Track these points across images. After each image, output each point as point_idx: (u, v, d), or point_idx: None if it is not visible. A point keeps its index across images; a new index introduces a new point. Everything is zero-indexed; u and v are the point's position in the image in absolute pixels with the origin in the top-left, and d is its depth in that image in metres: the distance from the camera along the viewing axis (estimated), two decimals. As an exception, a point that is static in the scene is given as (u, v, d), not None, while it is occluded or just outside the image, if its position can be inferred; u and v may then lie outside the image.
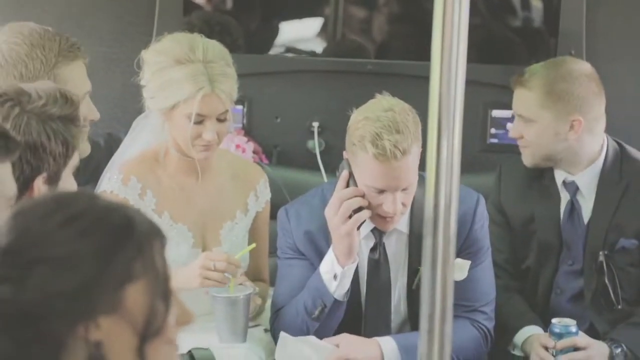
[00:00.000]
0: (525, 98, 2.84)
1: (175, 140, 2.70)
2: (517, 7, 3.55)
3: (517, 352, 2.80)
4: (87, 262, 1.21)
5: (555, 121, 2.80)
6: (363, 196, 2.51)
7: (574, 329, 2.65)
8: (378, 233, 2.63)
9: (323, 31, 3.66)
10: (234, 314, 2.55)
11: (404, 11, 3.64)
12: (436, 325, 1.47)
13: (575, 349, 2.65)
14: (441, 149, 1.40)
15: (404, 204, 2.52)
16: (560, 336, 2.65)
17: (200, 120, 2.61)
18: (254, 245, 2.71)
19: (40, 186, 1.76)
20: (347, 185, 2.54)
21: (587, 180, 2.86)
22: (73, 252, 1.21)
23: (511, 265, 2.92)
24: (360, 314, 2.66)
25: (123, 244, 1.24)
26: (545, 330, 2.73)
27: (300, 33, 3.66)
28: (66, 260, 1.21)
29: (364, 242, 2.65)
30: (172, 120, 2.65)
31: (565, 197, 2.89)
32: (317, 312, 2.57)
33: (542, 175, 2.92)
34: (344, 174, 2.54)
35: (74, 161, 1.84)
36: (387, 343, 2.55)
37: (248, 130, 3.51)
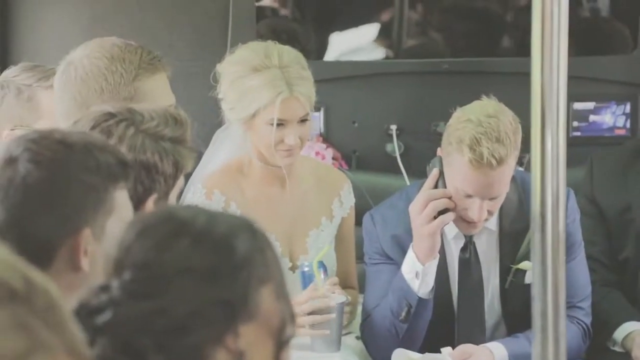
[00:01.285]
0: None
1: (258, 149, 2.70)
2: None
3: (617, 348, 2.75)
4: (226, 272, 1.22)
5: None
6: (450, 198, 2.49)
7: None
8: (465, 234, 2.60)
9: (387, 35, 3.64)
10: (327, 323, 2.53)
11: (470, 8, 3.61)
12: (549, 323, 1.44)
13: None
14: (545, 143, 1.39)
15: (489, 212, 2.50)
16: None
17: (281, 125, 2.60)
18: (327, 247, 2.70)
19: (150, 207, 1.75)
20: (436, 184, 2.52)
21: None
22: (210, 264, 1.21)
23: (607, 257, 2.86)
24: (452, 315, 2.64)
25: (251, 251, 1.24)
26: (648, 326, 2.69)
27: (361, 40, 3.66)
28: (206, 272, 1.21)
29: (453, 242, 2.62)
30: (254, 129, 2.66)
31: None
32: (404, 314, 2.55)
33: (636, 164, 2.86)
34: (434, 172, 2.52)
35: (181, 182, 1.84)
36: (498, 350, 2.53)
37: (326, 137, 3.50)
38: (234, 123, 2.71)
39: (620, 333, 2.73)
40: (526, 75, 3.62)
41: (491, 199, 2.47)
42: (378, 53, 3.63)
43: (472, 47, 3.56)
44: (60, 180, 1.49)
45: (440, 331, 2.60)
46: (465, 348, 2.53)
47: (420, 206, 2.49)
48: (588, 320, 2.64)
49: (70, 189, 1.49)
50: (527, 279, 2.57)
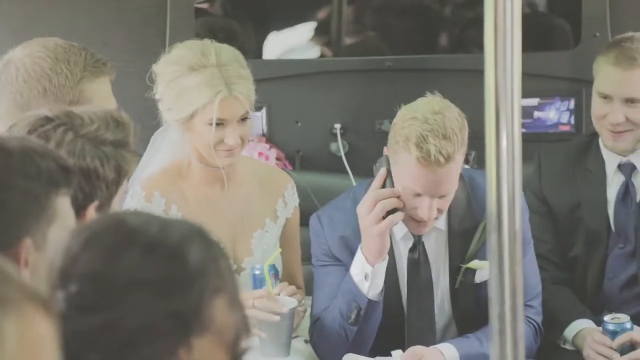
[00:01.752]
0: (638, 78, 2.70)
1: (197, 150, 2.65)
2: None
3: (567, 346, 2.73)
4: (179, 283, 1.17)
5: None
6: (399, 197, 2.44)
7: (628, 325, 2.57)
8: (415, 234, 2.56)
9: (326, 34, 3.61)
10: (278, 328, 2.48)
11: (406, 4, 3.59)
12: (507, 326, 1.42)
13: (632, 344, 2.56)
14: (500, 141, 1.37)
15: (439, 210, 2.46)
16: (614, 334, 2.57)
17: (220, 125, 2.55)
18: (278, 251, 2.65)
19: (92, 215, 1.69)
20: (384, 184, 2.47)
21: None
22: (162, 275, 1.16)
23: (557, 255, 2.84)
24: (402, 317, 2.59)
25: (204, 261, 1.19)
26: (596, 323, 2.67)
27: (299, 39, 3.62)
28: (158, 284, 1.15)
29: (402, 242, 2.58)
30: (192, 130, 2.60)
31: (619, 180, 2.81)
32: (353, 316, 2.50)
33: (583, 161, 2.84)
34: (381, 172, 2.47)
35: (124, 188, 1.77)
36: (449, 350, 2.49)
37: (269, 137, 3.44)
38: (172, 124, 2.65)
39: (570, 331, 2.71)
40: (471, 71, 3.60)
41: (440, 196, 2.43)
42: (317, 51, 3.59)
43: (412, 44, 3.53)
44: None
45: (390, 333, 2.56)
46: (415, 350, 2.49)
47: (369, 206, 2.44)
48: (539, 318, 2.62)
49: (9, 197, 1.42)
50: (477, 279, 2.54)
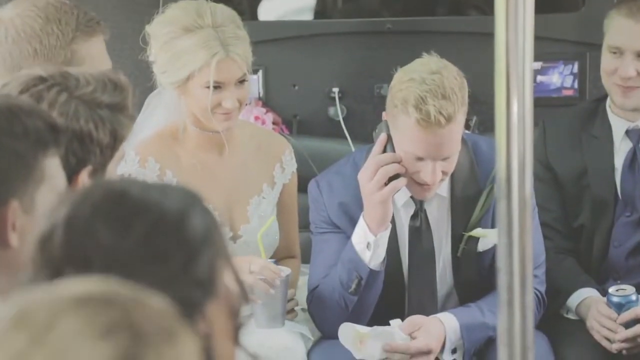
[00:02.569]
0: None
1: (193, 114, 2.59)
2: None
3: (570, 316, 2.69)
4: (190, 254, 1.13)
5: None
6: (400, 162, 2.38)
7: (634, 297, 2.53)
8: (419, 199, 2.51)
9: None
10: (271, 297, 2.42)
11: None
12: (516, 296, 1.38)
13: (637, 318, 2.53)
14: (511, 104, 1.33)
15: (443, 173, 2.40)
16: (619, 306, 2.53)
17: (218, 88, 2.50)
18: (272, 218, 2.60)
19: (85, 180, 1.63)
20: (384, 149, 2.41)
21: None
22: (172, 248, 1.13)
23: (562, 224, 2.78)
24: (403, 286, 2.55)
25: (207, 227, 1.16)
26: (601, 292, 2.63)
27: (294, 1, 3.56)
28: (171, 257, 1.12)
29: (403, 210, 2.53)
30: (188, 93, 2.55)
31: (626, 146, 2.76)
32: (353, 286, 2.46)
33: (589, 127, 2.79)
34: (381, 137, 2.41)
35: (120, 153, 1.71)
36: (449, 320, 2.45)
37: (265, 101, 3.37)
38: (167, 87, 2.59)
39: (574, 300, 2.67)
40: (472, 34, 3.52)
41: (444, 159, 2.37)
42: (313, 13, 3.53)
43: (411, 7, 3.47)
44: None
45: (391, 302, 2.52)
46: (414, 319, 2.44)
47: (370, 173, 2.38)
48: (542, 288, 2.57)
49: None
50: (480, 247, 2.49)
